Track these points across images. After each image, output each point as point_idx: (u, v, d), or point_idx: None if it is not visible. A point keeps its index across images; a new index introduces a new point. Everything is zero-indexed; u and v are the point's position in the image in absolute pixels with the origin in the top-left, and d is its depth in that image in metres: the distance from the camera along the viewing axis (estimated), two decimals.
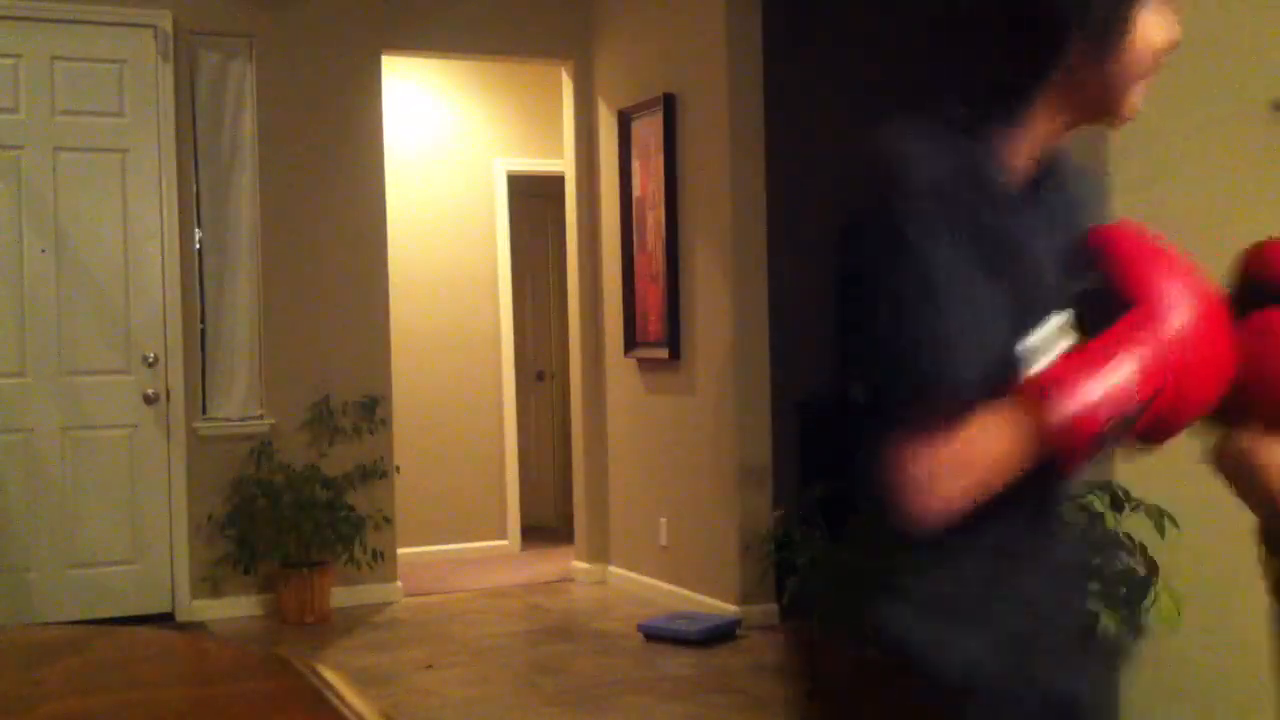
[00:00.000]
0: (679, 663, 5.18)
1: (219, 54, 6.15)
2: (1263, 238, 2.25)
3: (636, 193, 6.45)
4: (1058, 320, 1.39)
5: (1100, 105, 1.52)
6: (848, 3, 6.36)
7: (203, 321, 6.11)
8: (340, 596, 6.16)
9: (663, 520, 6.21)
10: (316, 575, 6.02)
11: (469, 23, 6.66)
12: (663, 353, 6.19)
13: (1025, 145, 1.49)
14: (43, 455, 5.84)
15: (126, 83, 5.96)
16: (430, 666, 5.21)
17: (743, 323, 5.77)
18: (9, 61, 5.81)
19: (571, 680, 5.01)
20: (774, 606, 5.67)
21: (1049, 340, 1.37)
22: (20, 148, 5.82)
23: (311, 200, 6.27)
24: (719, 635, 5.46)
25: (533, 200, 8.05)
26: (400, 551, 6.57)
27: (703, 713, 4.55)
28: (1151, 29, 1.56)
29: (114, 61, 5.94)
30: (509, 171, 7.74)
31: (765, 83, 5.78)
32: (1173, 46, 1.58)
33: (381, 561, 6.24)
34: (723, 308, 5.83)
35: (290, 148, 6.22)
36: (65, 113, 5.88)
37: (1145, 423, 1.42)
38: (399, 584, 6.48)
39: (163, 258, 6.00)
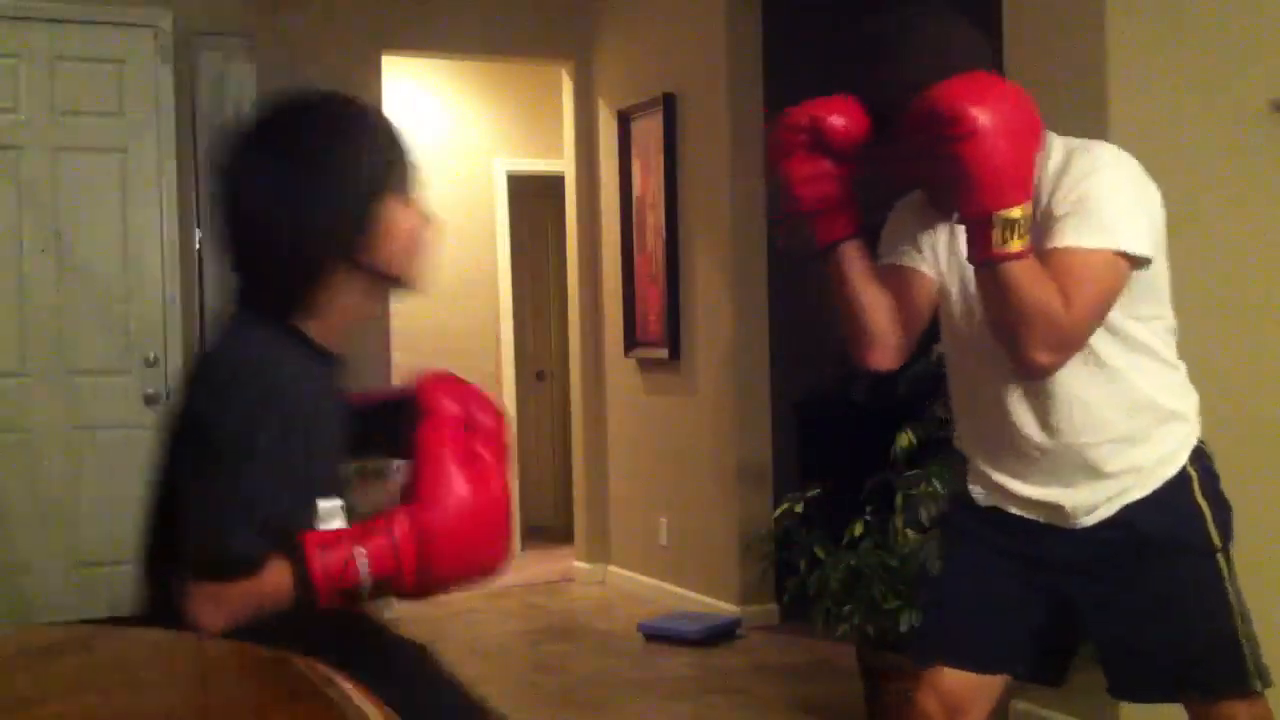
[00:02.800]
0: (679, 663, 5.18)
1: (219, 54, 6.15)
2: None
3: (636, 193, 6.45)
4: (333, 503, 1.80)
5: (391, 282, 1.90)
6: (848, 2, 6.36)
7: (203, 321, 6.11)
8: None
9: (663, 520, 6.21)
10: None
11: (469, 23, 6.66)
12: (663, 353, 6.19)
13: (333, 324, 1.89)
14: (43, 455, 5.84)
15: (126, 83, 5.96)
16: None
17: (743, 323, 5.77)
18: (9, 61, 5.81)
19: (571, 680, 5.01)
20: (774, 606, 5.68)
21: (329, 512, 1.79)
22: (20, 148, 5.82)
23: None
24: (719, 635, 5.46)
25: (533, 200, 8.05)
26: None
27: (703, 713, 4.55)
28: (404, 219, 1.87)
29: (114, 61, 5.94)
30: (509, 171, 7.74)
31: (765, 83, 5.78)
32: (426, 224, 1.89)
33: None
34: (723, 308, 5.83)
35: None
36: (65, 113, 5.88)
37: (401, 585, 1.72)
38: None
39: (163, 258, 6.00)
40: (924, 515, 3.87)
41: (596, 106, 6.81)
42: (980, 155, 1.87)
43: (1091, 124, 3.82)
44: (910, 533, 3.89)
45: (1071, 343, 2.01)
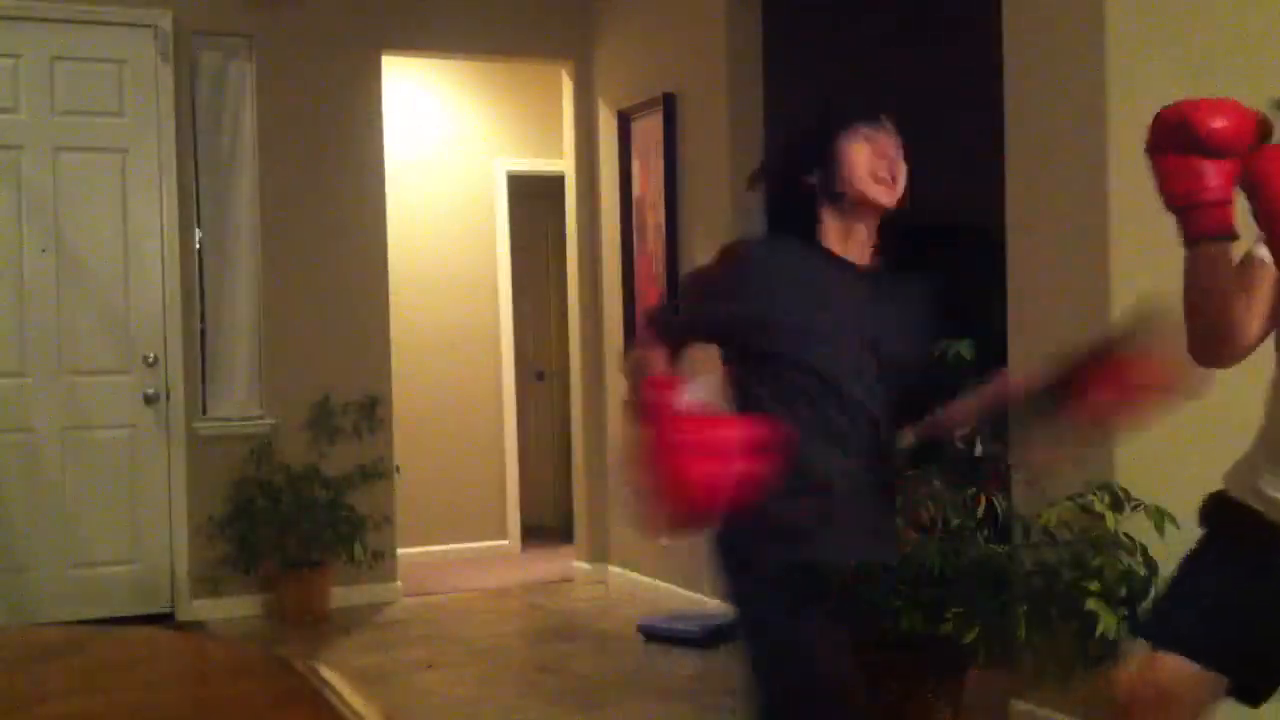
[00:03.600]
0: (679, 663, 5.18)
1: (219, 54, 6.15)
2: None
3: (636, 193, 6.45)
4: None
5: (858, 208, 2.40)
6: (848, 3, 6.35)
7: (203, 321, 6.11)
8: (340, 596, 6.16)
9: None
10: (316, 575, 6.02)
11: (469, 23, 6.66)
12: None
13: (836, 236, 2.43)
14: (43, 455, 5.84)
15: (126, 83, 5.96)
16: (430, 666, 5.21)
17: None
18: (9, 61, 5.81)
19: (571, 680, 5.01)
20: None
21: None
22: (20, 148, 5.83)
23: (311, 200, 6.27)
24: (719, 635, 5.46)
25: (533, 200, 8.05)
26: (400, 551, 6.57)
27: (703, 713, 4.55)
28: (856, 155, 2.39)
29: (114, 61, 5.95)
30: (509, 171, 7.74)
31: (765, 83, 5.78)
32: (883, 156, 2.39)
33: (381, 561, 6.24)
34: None
35: (290, 148, 6.22)
36: (65, 113, 5.88)
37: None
38: (399, 584, 6.48)
39: (163, 258, 6.00)
40: (924, 515, 3.86)
41: (596, 106, 6.81)
42: None
43: (1091, 124, 3.83)
44: (910, 533, 3.89)
45: None
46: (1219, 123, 2.08)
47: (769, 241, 2.46)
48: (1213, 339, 2.18)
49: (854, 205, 2.39)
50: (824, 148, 2.38)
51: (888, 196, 2.37)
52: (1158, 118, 2.14)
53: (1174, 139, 2.11)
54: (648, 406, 2.24)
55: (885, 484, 2.47)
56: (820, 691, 2.36)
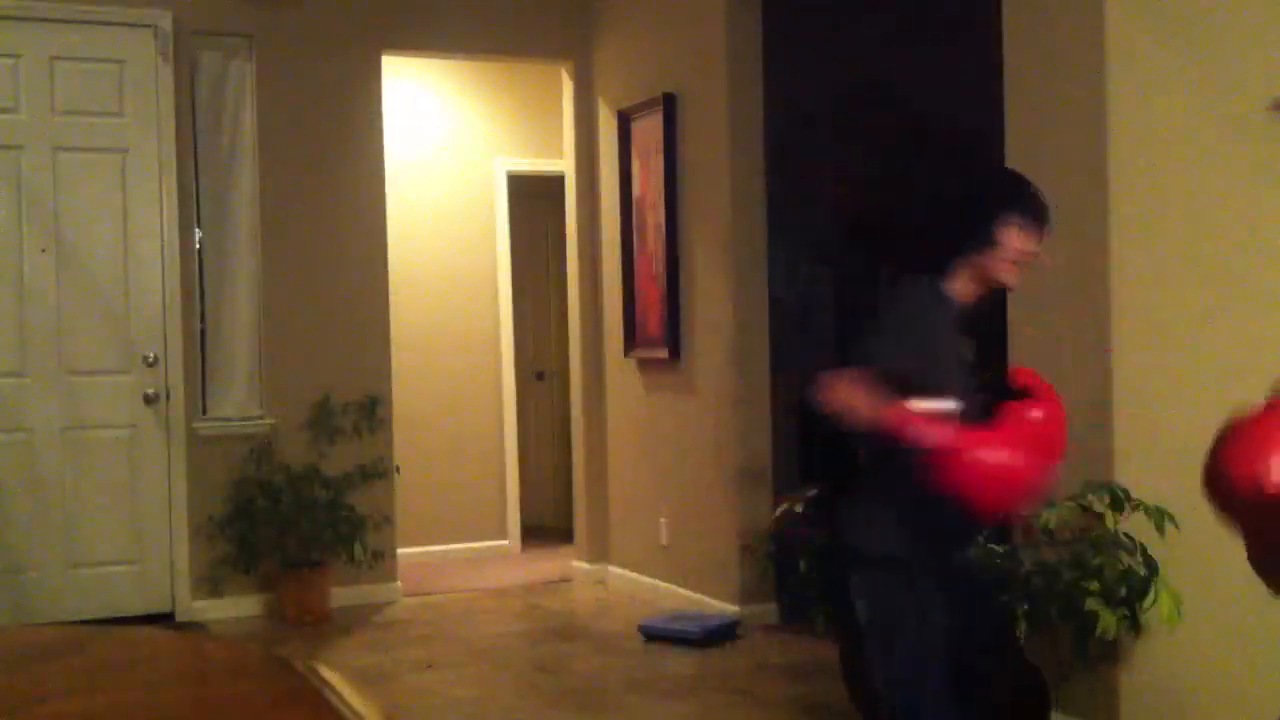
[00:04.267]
0: (679, 663, 5.18)
1: (219, 54, 6.15)
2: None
3: (636, 193, 6.45)
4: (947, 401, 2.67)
5: (991, 278, 2.83)
6: (848, 2, 6.35)
7: (203, 321, 6.11)
8: (340, 596, 6.16)
9: (663, 520, 6.21)
10: (316, 575, 6.02)
11: (469, 23, 6.66)
12: (663, 353, 6.19)
13: (959, 290, 2.84)
14: (43, 455, 5.84)
15: (126, 83, 5.96)
16: (430, 666, 5.21)
17: (743, 323, 5.77)
18: (9, 61, 5.81)
19: (571, 680, 5.01)
20: (774, 606, 5.68)
21: (940, 402, 2.65)
22: (20, 148, 5.82)
23: (311, 200, 6.27)
24: (719, 635, 5.46)
25: (533, 200, 8.05)
26: (400, 551, 6.57)
27: (703, 713, 4.55)
28: (1015, 241, 2.79)
29: (114, 61, 5.94)
30: (509, 171, 7.74)
31: (765, 83, 5.78)
32: (1030, 250, 2.81)
33: (381, 561, 6.24)
34: (723, 308, 5.83)
35: (290, 148, 6.22)
36: (65, 113, 5.88)
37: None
38: (399, 584, 6.48)
39: (163, 258, 6.00)
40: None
41: (596, 106, 6.81)
42: None
43: (1092, 124, 3.83)
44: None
45: None
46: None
47: (937, 293, 2.84)
48: None
49: (985, 277, 2.82)
50: (989, 217, 2.78)
51: (1016, 282, 2.84)
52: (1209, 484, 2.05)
53: (1238, 505, 2.02)
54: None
55: None
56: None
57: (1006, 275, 2.81)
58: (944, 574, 2.80)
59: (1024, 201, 2.82)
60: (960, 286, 2.83)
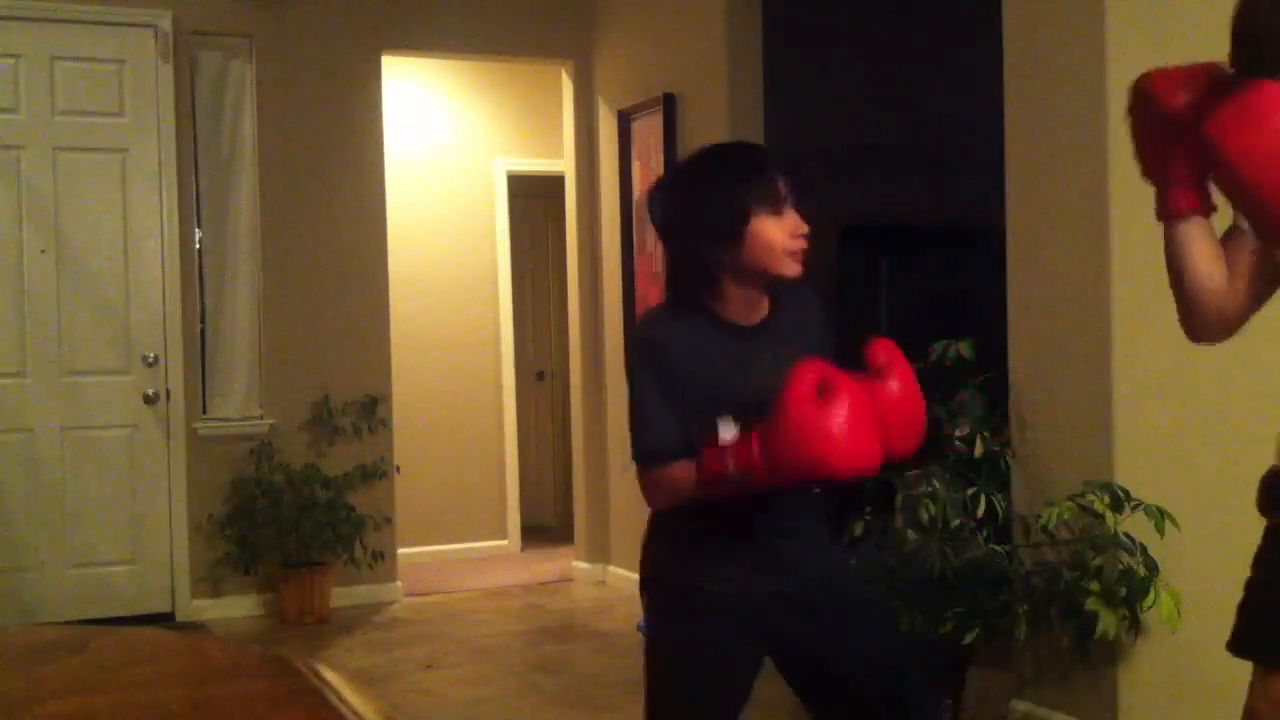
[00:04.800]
0: None
1: (219, 54, 6.15)
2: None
3: (636, 193, 6.45)
4: (727, 422, 2.29)
5: (762, 276, 2.40)
6: (848, 2, 6.35)
7: (203, 321, 6.11)
8: (340, 596, 6.16)
9: None
10: (316, 575, 6.02)
11: (469, 23, 6.66)
12: None
13: (733, 305, 2.42)
14: (43, 455, 5.84)
15: (126, 83, 5.96)
16: (430, 666, 5.21)
17: None
18: (9, 61, 5.81)
19: (571, 680, 5.01)
20: None
21: (724, 427, 2.29)
22: (20, 148, 5.82)
23: (311, 200, 6.27)
24: None
25: (533, 200, 8.05)
26: (400, 551, 6.57)
27: None
28: (768, 231, 2.37)
29: (114, 61, 5.94)
30: (509, 171, 7.74)
31: (765, 83, 5.78)
32: (793, 233, 2.38)
33: (381, 561, 6.24)
34: None
35: (290, 148, 6.22)
36: (65, 113, 5.88)
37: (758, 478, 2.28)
38: (399, 584, 6.48)
39: (163, 258, 6.00)
40: (924, 515, 3.86)
41: (596, 106, 6.81)
42: None
43: (1092, 124, 3.82)
44: (910, 533, 3.89)
45: None
46: (1181, 98, 2.03)
47: (673, 321, 2.44)
48: (1194, 314, 2.14)
49: (763, 278, 2.40)
50: (730, 227, 2.35)
51: (796, 269, 2.39)
52: (1132, 86, 2.14)
53: (1144, 112, 2.12)
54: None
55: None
56: None
57: (788, 268, 2.39)
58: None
59: (756, 190, 2.39)
60: (738, 307, 2.43)
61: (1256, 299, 2.16)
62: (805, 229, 2.40)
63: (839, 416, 2.17)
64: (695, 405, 2.34)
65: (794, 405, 2.18)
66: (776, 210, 2.38)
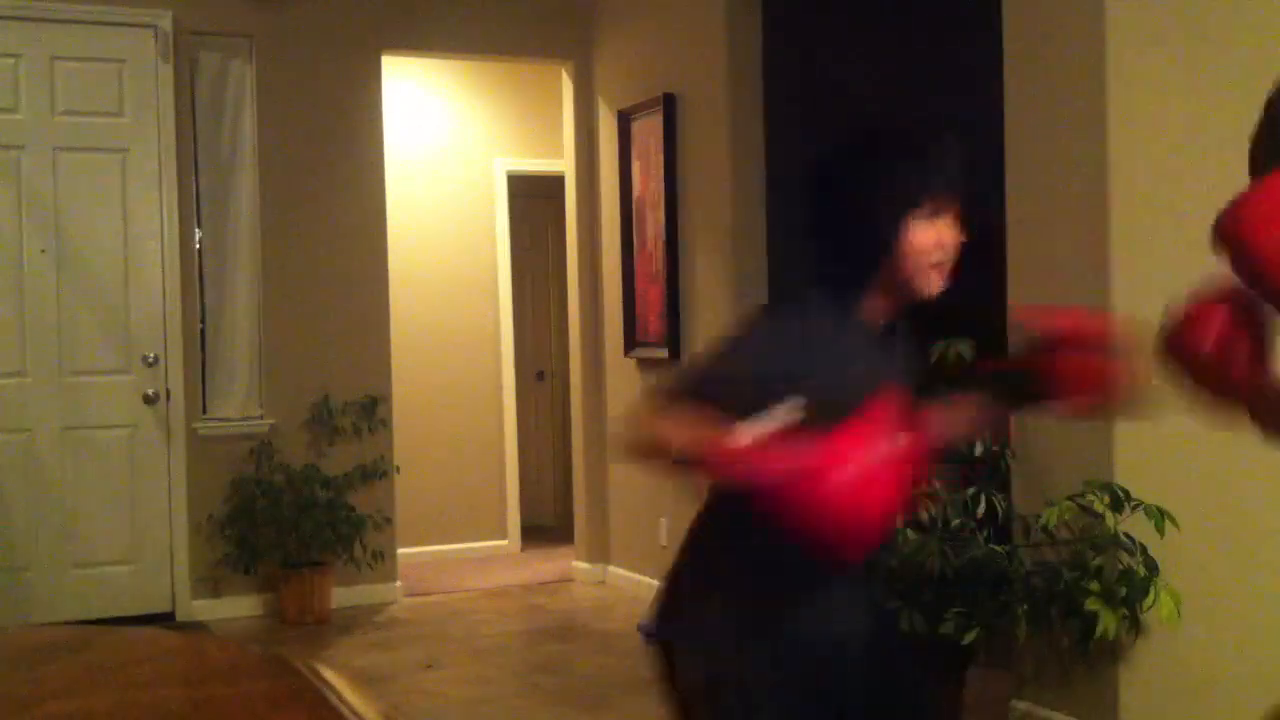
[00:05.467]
0: None
1: (219, 54, 6.15)
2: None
3: (636, 193, 6.45)
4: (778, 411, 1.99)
5: (904, 290, 2.13)
6: (847, 3, 6.35)
7: (203, 321, 6.11)
8: (340, 596, 6.16)
9: (663, 520, 6.21)
10: (316, 575, 6.02)
11: (469, 23, 6.66)
12: (663, 353, 6.19)
13: (871, 310, 2.15)
14: (43, 455, 5.84)
15: (126, 83, 5.96)
16: (430, 666, 5.21)
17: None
18: (9, 61, 5.81)
19: (571, 680, 5.01)
20: None
21: (773, 414, 1.98)
22: (20, 148, 5.82)
23: (311, 200, 6.27)
24: None
25: (533, 200, 8.05)
26: (400, 551, 6.57)
27: None
28: (920, 238, 2.09)
29: (114, 61, 5.94)
30: (509, 171, 7.74)
31: (765, 83, 5.78)
32: (944, 244, 2.10)
33: (381, 561, 6.24)
34: (723, 308, 5.82)
35: (290, 147, 6.22)
36: (65, 113, 5.88)
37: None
38: (399, 584, 6.48)
39: (163, 258, 6.00)
40: (924, 515, 3.87)
41: (596, 106, 6.81)
42: None
43: (1092, 124, 3.82)
44: (910, 533, 3.89)
45: None
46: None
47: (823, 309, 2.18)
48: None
49: (902, 288, 2.12)
50: (891, 225, 2.08)
51: (938, 287, 2.13)
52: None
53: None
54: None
55: None
56: None
57: (929, 284, 2.12)
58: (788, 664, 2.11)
59: (922, 187, 2.10)
60: (874, 306, 2.16)
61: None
62: (957, 236, 2.13)
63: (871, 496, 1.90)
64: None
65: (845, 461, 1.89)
66: (933, 216, 2.10)
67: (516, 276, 7.85)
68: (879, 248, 2.09)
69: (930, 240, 2.09)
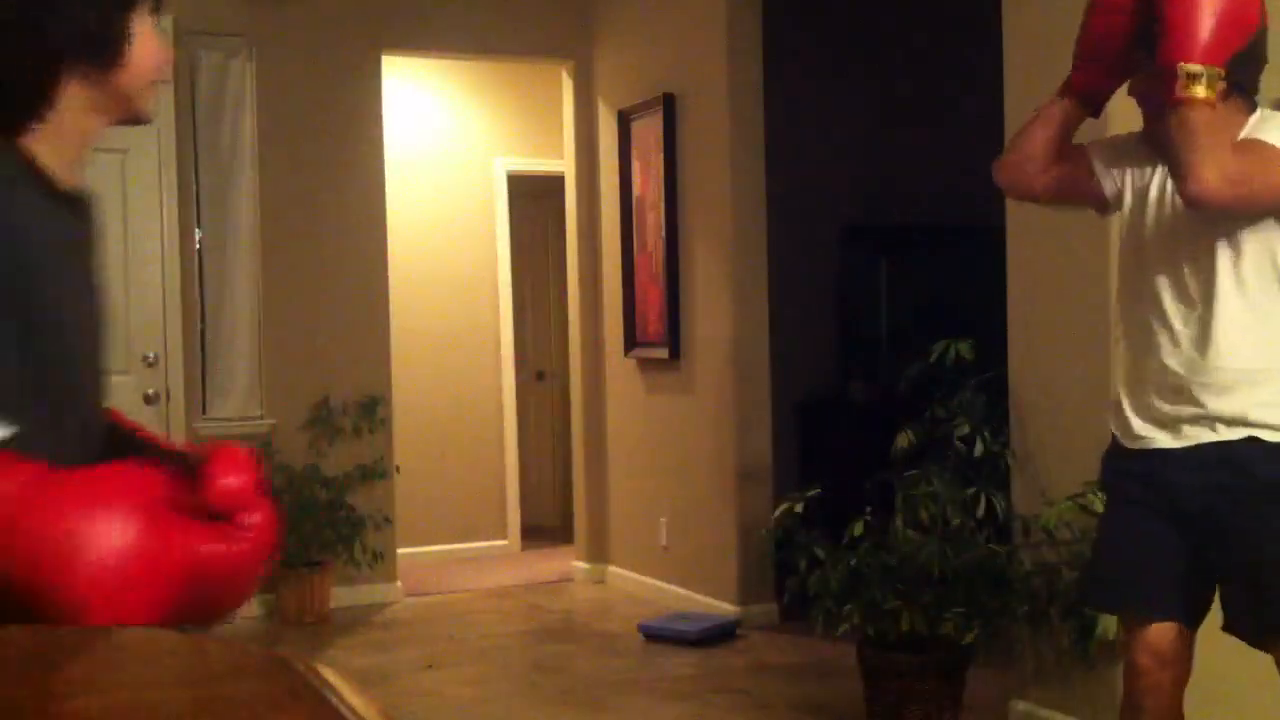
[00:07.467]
0: (679, 663, 5.18)
1: (219, 54, 6.15)
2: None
3: (636, 193, 6.45)
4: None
5: (121, 108, 1.61)
6: (848, 3, 6.36)
7: (203, 321, 6.11)
8: (340, 596, 6.16)
9: (663, 520, 6.21)
10: (316, 575, 6.02)
11: (469, 23, 6.66)
12: (663, 353, 6.19)
13: (58, 144, 1.54)
14: None
15: None
16: (430, 666, 5.21)
17: (743, 323, 5.77)
18: None
19: (571, 680, 5.01)
20: (774, 606, 5.68)
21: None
22: None
23: (311, 200, 6.27)
24: (719, 635, 5.46)
25: (533, 200, 8.05)
26: (400, 551, 6.57)
27: (703, 713, 4.54)
28: (149, 42, 1.57)
29: None
30: (509, 171, 7.74)
31: (765, 83, 5.78)
32: (167, 61, 1.64)
33: (381, 561, 6.24)
34: (723, 308, 5.83)
35: (290, 148, 6.22)
36: None
37: None
38: (399, 584, 6.48)
39: (163, 258, 6.00)
40: (924, 515, 3.87)
41: (596, 106, 6.81)
42: (1176, 13, 2.21)
43: (1091, 123, 3.82)
44: (910, 533, 3.89)
45: (1240, 181, 2.19)
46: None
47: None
48: (1007, 167, 2.64)
49: (121, 111, 1.62)
50: (112, 14, 1.50)
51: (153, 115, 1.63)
52: None
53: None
54: None
55: None
56: None
57: (146, 94, 1.61)
58: None
59: None
60: (55, 146, 1.60)
61: (1052, 181, 2.64)
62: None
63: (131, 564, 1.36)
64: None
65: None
66: (160, 26, 1.59)
67: (516, 276, 7.85)
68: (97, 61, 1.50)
69: (159, 51, 1.59)
